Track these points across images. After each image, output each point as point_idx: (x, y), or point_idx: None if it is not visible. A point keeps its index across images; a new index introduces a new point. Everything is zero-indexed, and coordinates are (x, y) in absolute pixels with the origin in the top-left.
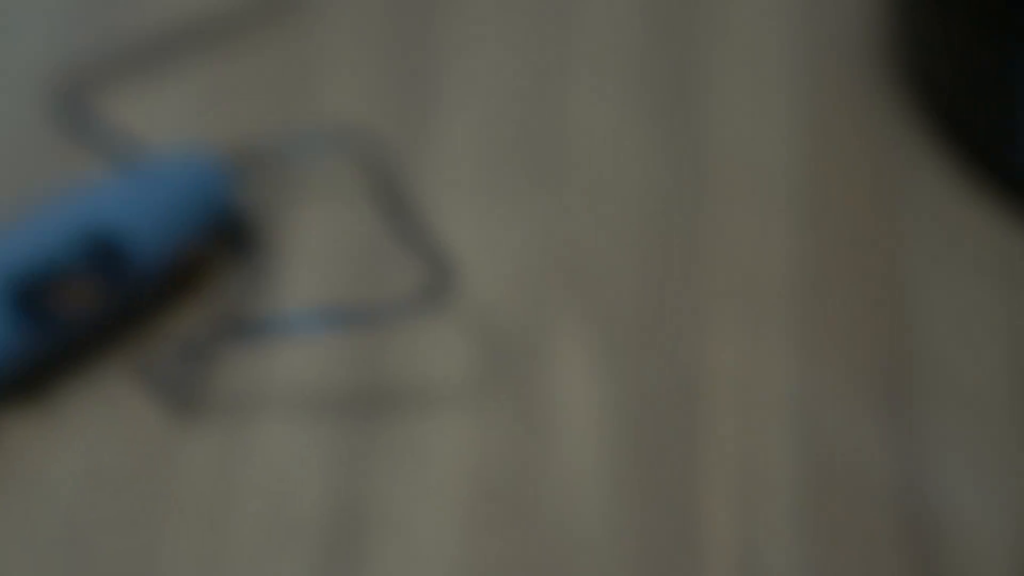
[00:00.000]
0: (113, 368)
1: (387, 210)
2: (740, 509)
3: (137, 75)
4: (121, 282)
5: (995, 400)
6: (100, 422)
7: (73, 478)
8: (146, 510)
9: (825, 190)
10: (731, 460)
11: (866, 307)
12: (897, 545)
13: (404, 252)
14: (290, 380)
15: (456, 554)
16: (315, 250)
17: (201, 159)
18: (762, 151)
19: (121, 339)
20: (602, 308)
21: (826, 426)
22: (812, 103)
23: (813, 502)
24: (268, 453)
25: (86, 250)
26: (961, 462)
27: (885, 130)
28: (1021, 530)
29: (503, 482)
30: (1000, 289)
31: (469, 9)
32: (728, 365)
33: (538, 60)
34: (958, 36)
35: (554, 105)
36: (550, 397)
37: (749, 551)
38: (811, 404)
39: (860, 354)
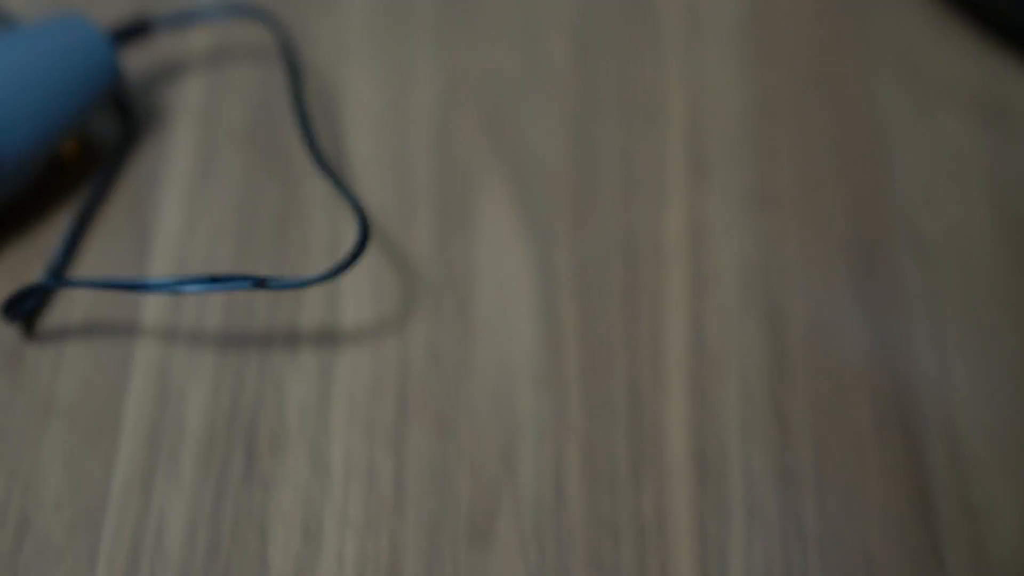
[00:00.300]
0: None
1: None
2: (697, 396)
3: None
4: None
5: (980, 251)
6: None
7: None
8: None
9: (778, 25)
10: (686, 334)
11: (838, 156)
12: (874, 407)
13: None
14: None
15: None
16: (204, 138)
17: (78, 25)
18: None
19: None
20: (531, 166)
21: (794, 290)
22: None
23: (780, 379)
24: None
25: None
26: (941, 324)
27: None
28: (1000, 396)
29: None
30: (979, 127)
31: None
32: (680, 230)
33: None
34: None
35: None
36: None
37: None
38: (772, 266)
39: (828, 209)
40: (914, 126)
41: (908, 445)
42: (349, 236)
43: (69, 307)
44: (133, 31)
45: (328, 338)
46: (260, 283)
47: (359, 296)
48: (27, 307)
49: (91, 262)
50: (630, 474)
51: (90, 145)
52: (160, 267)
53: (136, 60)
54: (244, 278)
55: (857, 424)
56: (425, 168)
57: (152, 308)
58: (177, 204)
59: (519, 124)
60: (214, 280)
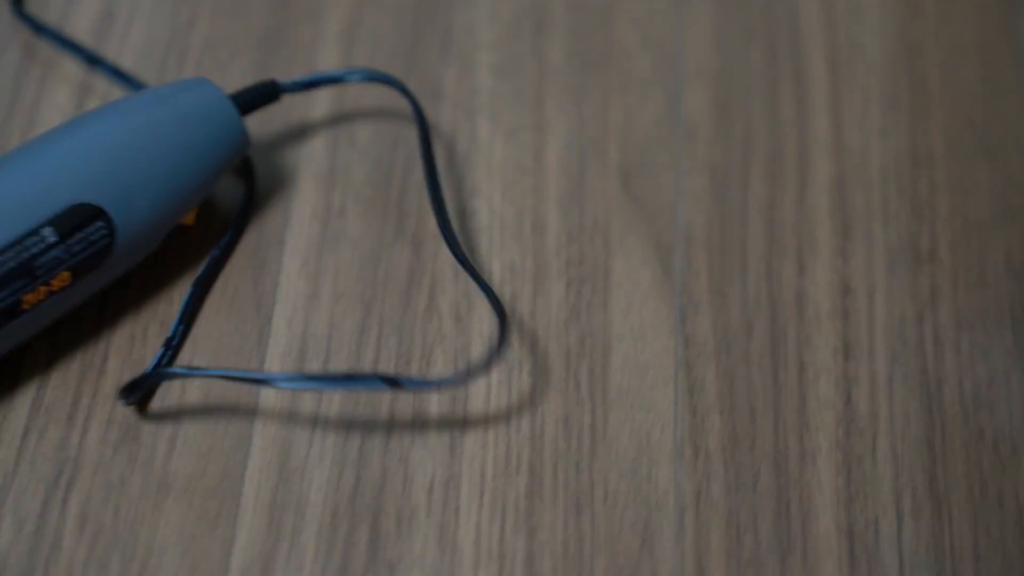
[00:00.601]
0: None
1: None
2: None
3: None
4: (104, 260)
5: None
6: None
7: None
8: None
9: (929, 67)
10: (835, 402)
11: (995, 206)
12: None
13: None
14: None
15: None
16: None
17: (205, 89)
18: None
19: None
20: (670, 224)
21: (949, 352)
22: None
23: (935, 450)
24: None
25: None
26: None
27: None
28: None
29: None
30: None
31: None
32: (826, 292)
33: None
34: None
35: None
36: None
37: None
38: (926, 327)
39: (986, 263)
40: None
41: None
42: (479, 301)
43: (185, 384)
44: (261, 96)
45: (457, 412)
46: (392, 383)
47: (497, 368)
48: (143, 391)
49: (210, 331)
50: (775, 553)
51: (212, 208)
52: (281, 336)
53: (261, 124)
54: (375, 378)
55: (1018, 496)
56: (557, 227)
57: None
58: (299, 269)
59: (658, 180)
60: (344, 378)
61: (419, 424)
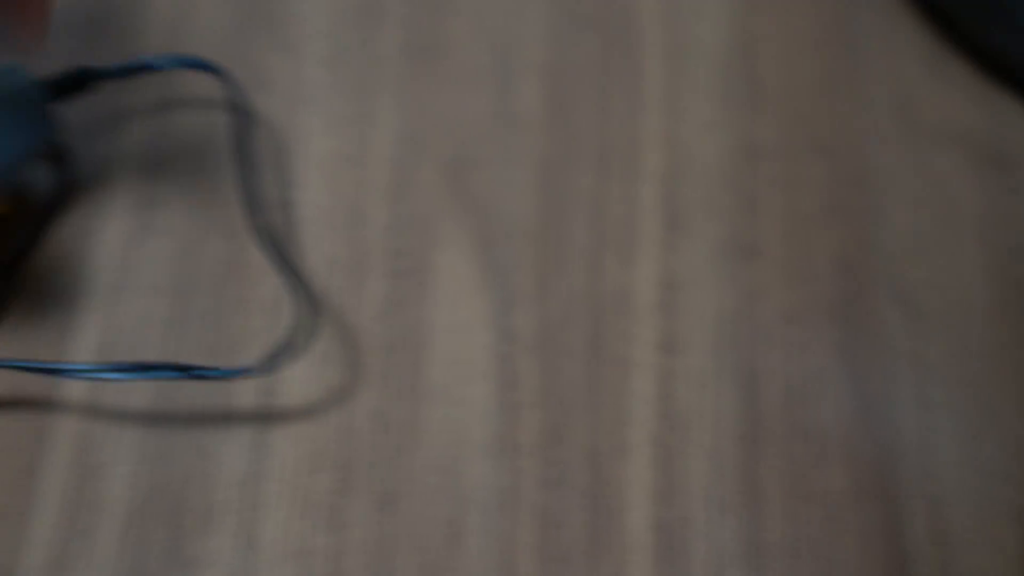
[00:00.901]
0: None
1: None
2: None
3: None
4: None
5: (971, 307)
6: None
7: None
8: None
9: (765, 66)
10: (653, 397)
11: (824, 203)
12: (852, 473)
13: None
14: None
15: None
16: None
17: (12, 73)
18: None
19: None
20: (495, 219)
21: (771, 349)
22: None
23: (752, 445)
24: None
25: None
26: (927, 383)
27: None
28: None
29: None
30: (975, 173)
31: None
32: (650, 286)
33: None
34: None
35: None
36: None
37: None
38: (749, 323)
39: (811, 261)
40: (906, 171)
41: (888, 514)
42: (295, 294)
43: None
44: (73, 82)
45: (264, 406)
46: (188, 373)
47: (300, 360)
48: None
49: (14, 324)
50: (587, 550)
51: (28, 197)
52: (89, 329)
53: (81, 112)
54: (171, 367)
55: (834, 492)
56: (380, 221)
57: (73, 382)
58: (111, 260)
59: (485, 173)
60: (139, 369)
61: (225, 420)
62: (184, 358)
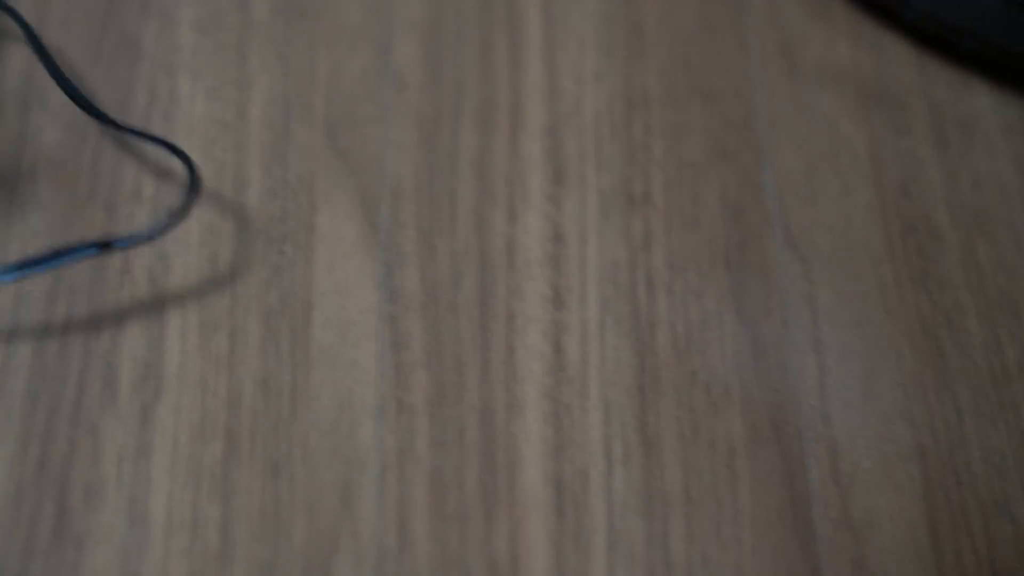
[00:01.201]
0: None
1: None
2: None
3: None
4: None
5: (862, 248)
6: None
7: None
8: None
9: (644, 13)
10: (544, 351)
11: (710, 149)
12: (747, 419)
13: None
14: None
15: None
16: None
17: None
18: None
19: None
20: (377, 177)
21: (662, 297)
22: None
23: (646, 395)
24: None
25: None
26: (820, 326)
27: None
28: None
29: None
30: (861, 112)
31: None
32: (537, 240)
33: None
34: None
35: None
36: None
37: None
38: (638, 272)
39: (699, 207)
40: (792, 113)
41: (785, 460)
42: (176, 261)
43: None
44: None
45: (149, 377)
46: (105, 246)
47: (185, 327)
48: None
49: None
50: (481, 508)
51: None
52: None
53: None
54: (88, 245)
55: (729, 438)
56: (260, 183)
57: None
58: None
59: (365, 133)
60: (57, 255)
61: (109, 394)
62: (64, 334)
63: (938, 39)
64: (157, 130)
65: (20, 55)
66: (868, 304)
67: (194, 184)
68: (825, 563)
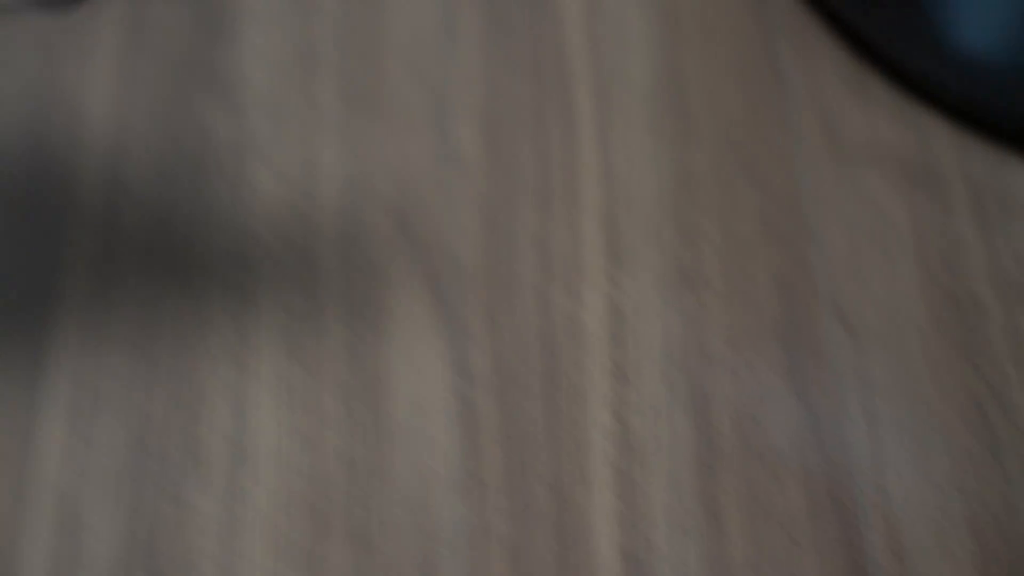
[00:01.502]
0: None
1: None
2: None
3: None
4: None
5: (910, 323)
6: None
7: None
8: None
9: (692, 95)
10: (610, 426)
11: (760, 229)
12: (807, 492)
13: None
14: None
15: None
16: None
17: None
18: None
19: None
20: (443, 260)
21: (720, 374)
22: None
23: (708, 469)
24: None
25: None
26: (873, 400)
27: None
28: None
29: None
30: (904, 191)
31: None
32: (598, 317)
33: None
34: None
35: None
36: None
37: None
38: (696, 350)
39: (752, 286)
40: (837, 192)
41: (844, 531)
42: None
43: None
44: None
45: (236, 453)
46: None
47: (277, 405)
48: None
49: None
50: None
51: None
52: None
53: None
54: None
55: (791, 512)
56: (333, 266)
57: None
58: None
59: (430, 216)
60: None
61: (199, 464)
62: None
63: (976, 119)
64: (232, 215)
65: None
66: (917, 377)
67: None
68: None
